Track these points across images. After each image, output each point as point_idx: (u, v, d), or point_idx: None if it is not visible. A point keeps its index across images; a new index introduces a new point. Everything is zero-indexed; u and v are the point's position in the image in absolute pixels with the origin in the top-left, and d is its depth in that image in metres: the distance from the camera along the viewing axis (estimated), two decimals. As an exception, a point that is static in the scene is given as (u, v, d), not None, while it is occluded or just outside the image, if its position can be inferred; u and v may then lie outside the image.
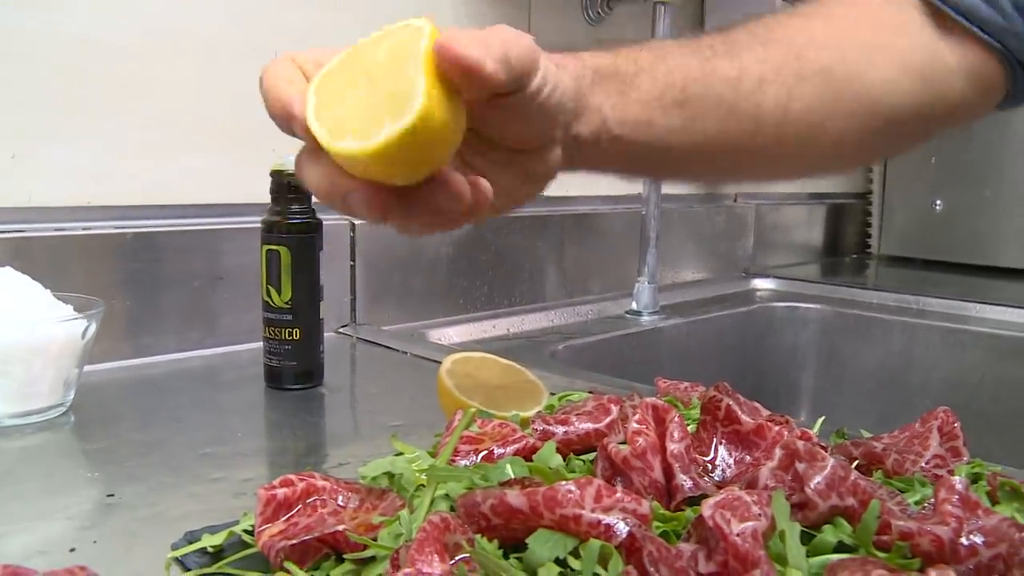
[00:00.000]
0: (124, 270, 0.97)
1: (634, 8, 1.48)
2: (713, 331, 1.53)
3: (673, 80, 0.60)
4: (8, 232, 0.89)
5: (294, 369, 0.88)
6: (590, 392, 0.71)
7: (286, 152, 0.88)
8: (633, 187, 1.50)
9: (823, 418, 0.70)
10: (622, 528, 0.41)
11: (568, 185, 1.49)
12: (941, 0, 0.69)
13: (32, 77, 0.92)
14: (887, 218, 2.22)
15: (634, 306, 1.46)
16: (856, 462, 0.60)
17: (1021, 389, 1.43)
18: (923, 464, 0.59)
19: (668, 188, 1.54)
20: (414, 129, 0.40)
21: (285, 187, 0.87)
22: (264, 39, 1.08)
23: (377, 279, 1.20)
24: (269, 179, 0.88)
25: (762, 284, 1.84)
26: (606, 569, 0.40)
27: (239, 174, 1.07)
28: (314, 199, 0.88)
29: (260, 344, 0.90)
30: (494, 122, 0.50)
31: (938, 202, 2.10)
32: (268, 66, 0.48)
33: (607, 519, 0.42)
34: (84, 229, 0.96)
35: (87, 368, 0.82)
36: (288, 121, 0.45)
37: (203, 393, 0.91)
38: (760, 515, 0.42)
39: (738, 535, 0.40)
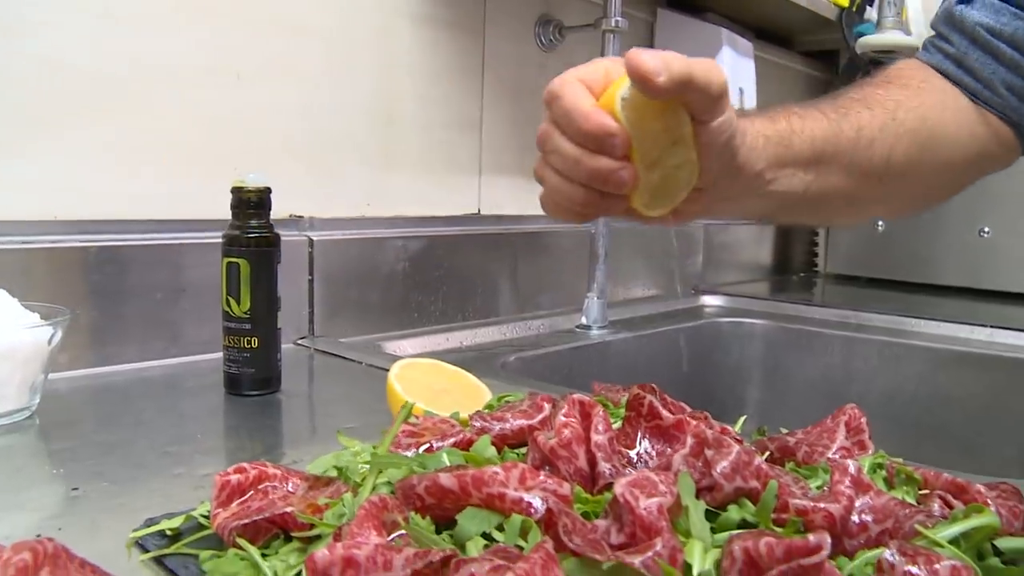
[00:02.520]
0: (89, 282, 1.01)
1: (584, 35, 1.54)
2: (661, 345, 1.59)
3: (814, 142, 0.75)
4: (-24, 244, 0.93)
5: (252, 376, 0.92)
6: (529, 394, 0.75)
7: (244, 170, 0.94)
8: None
9: (744, 417, 0.75)
10: (539, 504, 0.46)
11: (521, 203, 1.54)
12: (958, 84, 0.87)
13: (2, 97, 0.96)
14: (833, 238, 2.31)
15: (584, 320, 1.51)
16: (769, 454, 0.66)
17: (953, 400, 1.50)
18: (829, 455, 0.64)
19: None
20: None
21: (245, 203, 0.91)
22: (226, 63, 1.13)
23: (335, 293, 1.25)
24: (230, 195, 0.92)
25: (711, 301, 1.90)
26: (527, 541, 0.45)
27: (201, 191, 1.11)
28: (272, 215, 0.93)
29: (221, 353, 0.94)
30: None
31: (880, 223, 2.17)
32: (561, 87, 0.61)
33: (528, 497, 0.47)
34: (51, 243, 0.99)
35: (53, 376, 0.85)
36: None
37: (165, 399, 0.95)
38: (666, 492, 0.47)
39: (644, 509, 0.45)
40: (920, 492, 0.60)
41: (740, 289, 2.01)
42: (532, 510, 0.46)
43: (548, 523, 0.46)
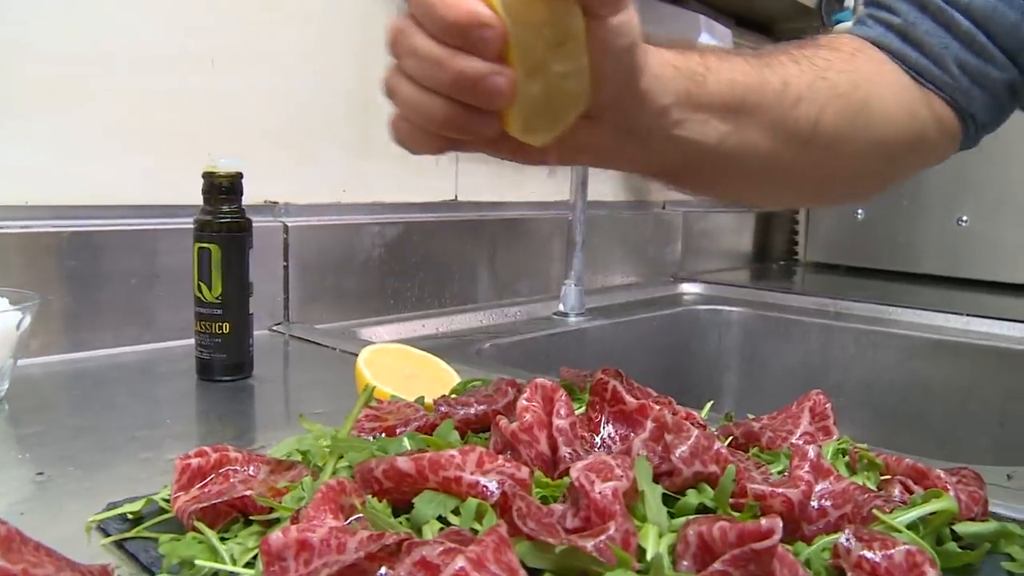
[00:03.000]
0: (62, 267, 1.01)
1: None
2: (638, 333, 1.59)
3: (734, 87, 0.65)
4: (-55, 229, 0.93)
5: (224, 361, 0.92)
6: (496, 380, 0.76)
7: (218, 155, 0.93)
8: (561, 193, 1.56)
9: (711, 402, 0.75)
10: (495, 488, 0.46)
11: (499, 190, 1.54)
12: (901, 60, 0.77)
13: (-30, 80, 0.95)
14: (812, 226, 2.31)
15: (561, 308, 1.51)
16: (733, 439, 0.66)
17: (929, 387, 1.51)
18: (793, 440, 0.64)
19: (595, 195, 1.60)
20: None
21: (217, 188, 0.91)
22: (199, 47, 1.12)
23: (310, 279, 1.24)
24: (201, 180, 0.92)
25: (689, 288, 1.90)
26: (482, 525, 0.45)
27: (175, 176, 1.11)
28: (244, 200, 0.92)
29: (193, 340, 0.94)
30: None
31: (860, 211, 2.18)
32: None
33: (484, 480, 0.47)
34: (23, 228, 0.99)
35: (25, 361, 0.85)
36: None
37: (137, 385, 0.95)
38: (622, 476, 0.47)
39: (599, 493, 0.46)
40: (882, 477, 0.60)
41: (719, 277, 2.01)
42: (488, 493, 0.47)
43: (503, 507, 0.46)
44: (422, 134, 0.53)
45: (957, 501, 0.55)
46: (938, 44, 0.75)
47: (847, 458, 0.63)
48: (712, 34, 1.76)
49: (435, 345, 1.25)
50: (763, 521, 0.42)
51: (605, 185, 1.80)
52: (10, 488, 0.63)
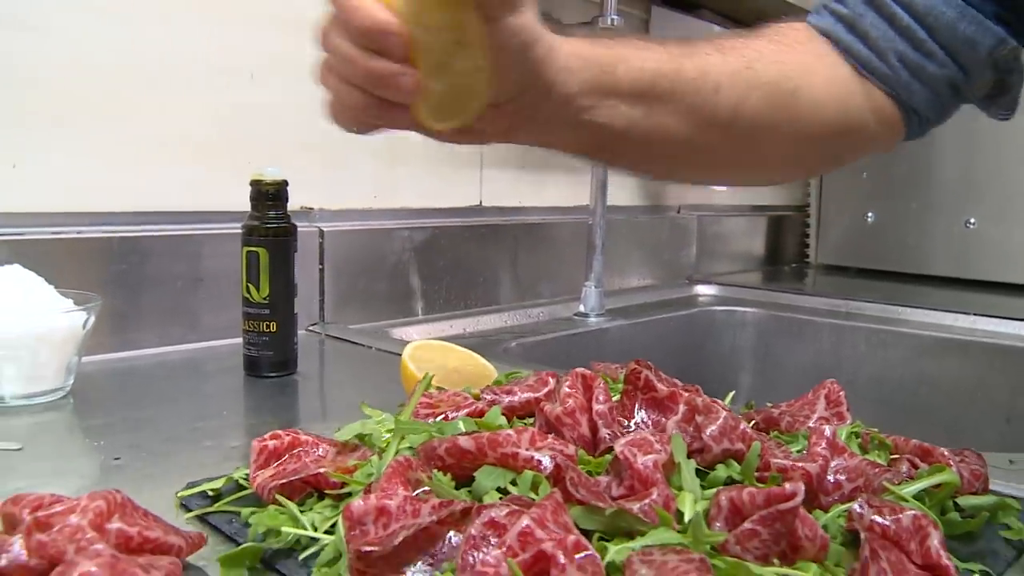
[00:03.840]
0: (112, 271, 1.06)
1: (582, 32, 1.59)
2: (656, 332, 1.64)
3: (643, 73, 0.69)
4: (10, 235, 0.98)
5: (271, 358, 0.98)
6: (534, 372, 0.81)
7: (257, 164, 0.99)
8: (581, 198, 1.61)
9: (732, 392, 0.81)
10: (548, 461, 0.52)
11: (522, 196, 1.60)
12: (846, 51, 0.80)
13: (32, 97, 1.01)
14: (823, 229, 2.36)
15: (582, 308, 1.57)
16: (754, 423, 0.71)
17: (936, 384, 1.56)
18: (810, 424, 0.70)
19: (613, 200, 1.65)
20: None
21: (264, 195, 0.97)
22: (239, 62, 1.18)
23: (344, 282, 1.30)
24: (249, 188, 0.98)
25: (704, 290, 1.96)
26: (538, 494, 0.51)
27: (217, 184, 1.16)
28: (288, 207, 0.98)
29: (238, 340, 1.00)
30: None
31: (870, 214, 2.23)
32: None
33: (538, 455, 0.53)
34: (76, 233, 1.05)
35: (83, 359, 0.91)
36: None
37: (187, 381, 1.00)
38: (661, 450, 0.53)
39: (642, 464, 0.51)
40: (891, 456, 0.66)
41: (732, 279, 2.06)
42: (542, 467, 0.52)
43: (556, 478, 0.52)
44: (350, 117, 0.61)
45: (959, 476, 0.60)
46: (881, 37, 0.77)
47: (859, 440, 0.68)
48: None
49: (463, 344, 1.30)
50: (787, 485, 0.47)
51: (623, 190, 1.85)
52: (92, 471, 0.69)
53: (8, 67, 0.99)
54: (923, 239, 2.15)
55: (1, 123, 0.99)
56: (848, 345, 1.68)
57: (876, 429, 0.71)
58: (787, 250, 2.47)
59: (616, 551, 0.45)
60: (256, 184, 0.97)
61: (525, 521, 0.44)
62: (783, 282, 2.15)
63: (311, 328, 1.25)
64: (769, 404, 0.78)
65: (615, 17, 1.48)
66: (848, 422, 0.72)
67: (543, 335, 1.42)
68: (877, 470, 0.59)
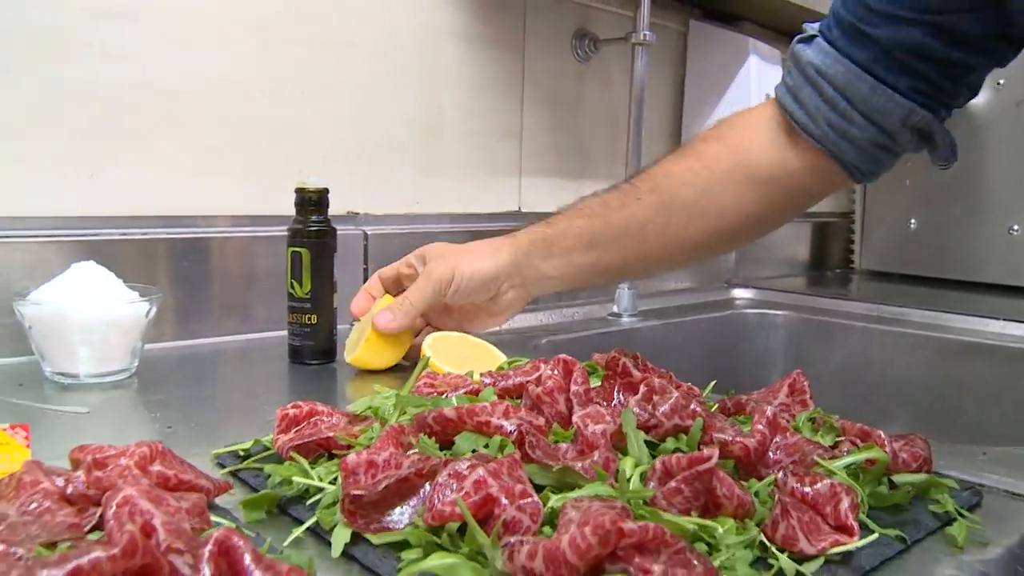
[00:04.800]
0: (175, 268, 1.19)
1: (617, 47, 1.69)
2: (687, 333, 1.72)
3: (582, 236, 1.01)
4: (87, 236, 1.11)
5: (312, 347, 1.09)
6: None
7: (307, 173, 1.10)
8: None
9: (714, 382, 0.89)
10: (512, 428, 0.62)
11: (559, 201, 1.69)
12: (789, 115, 0.94)
13: (105, 113, 1.14)
14: (867, 235, 2.40)
15: (615, 309, 1.66)
16: (725, 408, 0.80)
17: (962, 386, 1.61)
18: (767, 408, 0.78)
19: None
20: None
21: (307, 201, 1.08)
22: (288, 78, 1.30)
23: (386, 281, 1.41)
24: (294, 194, 1.09)
25: (741, 294, 2.03)
26: (502, 454, 0.61)
27: (268, 191, 1.28)
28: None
29: (284, 332, 1.11)
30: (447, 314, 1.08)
31: (913, 221, 2.27)
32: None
33: (506, 423, 0.62)
34: (143, 234, 1.17)
35: (146, 346, 1.03)
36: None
37: (238, 367, 1.12)
38: (610, 422, 0.62)
39: (591, 432, 0.61)
40: (837, 439, 0.74)
41: (773, 283, 2.12)
42: (507, 432, 0.62)
43: (519, 442, 0.61)
44: None
45: (892, 455, 0.68)
46: (812, 105, 0.91)
47: (813, 424, 0.76)
48: (761, 56, 1.89)
49: (497, 339, 1.39)
50: (705, 450, 0.56)
51: (659, 197, 1.93)
52: (148, 436, 0.80)
53: (90, 87, 1.12)
54: (966, 245, 2.18)
55: (82, 136, 1.12)
56: (876, 348, 1.73)
57: (837, 416, 0.80)
58: (832, 256, 2.52)
59: (556, 499, 0.54)
60: (300, 192, 1.08)
61: (480, 472, 0.53)
62: (824, 287, 2.21)
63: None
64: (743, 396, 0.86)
65: (647, 33, 1.57)
66: (810, 409, 0.80)
67: (575, 333, 1.51)
68: (812, 447, 0.67)
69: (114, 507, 0.50)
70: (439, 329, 1.06)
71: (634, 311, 1.66)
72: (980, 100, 2.08)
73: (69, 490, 0.54)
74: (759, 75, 1.86)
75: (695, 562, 0.48)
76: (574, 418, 0.62)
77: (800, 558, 0.55)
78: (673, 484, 0.56)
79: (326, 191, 1.09)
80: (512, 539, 0.49)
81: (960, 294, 2.07)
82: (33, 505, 0.52)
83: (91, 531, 0.51)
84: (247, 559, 0.43)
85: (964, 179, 2.16)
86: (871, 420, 0.76)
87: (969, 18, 0.83)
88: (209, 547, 0.43)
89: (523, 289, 1.05)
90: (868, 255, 2.41)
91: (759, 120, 0.97)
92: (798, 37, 0.95)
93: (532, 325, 1.56)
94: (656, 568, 0.46)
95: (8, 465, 0.62)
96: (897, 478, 0.68)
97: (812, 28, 0.94)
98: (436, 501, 0.53)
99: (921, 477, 0.69)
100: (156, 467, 0.58)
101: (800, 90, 0.93)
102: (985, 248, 2.14)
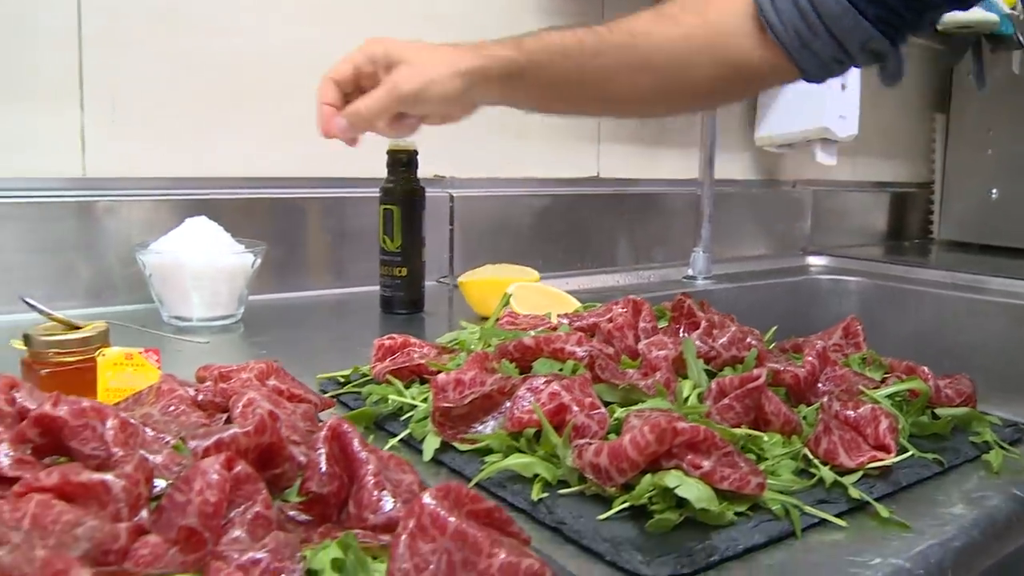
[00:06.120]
0: (277, 225, 1.29)
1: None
2: (759, 297, 1.77)
3: (554, 83, 0.97)
4: (198, 195, 1.22)
5: (402, 298, 1.18)
6: (609, 306, 0.98)
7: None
8: (692, 171, 1.76)
9: (776, 327, 0.95)
10: (583, 353, 0.69)
11: (636, 168, 1.76)
12: (763, 15, 0.96)
13: (213, 83, 1.24)
14: (947, 205, 2.41)
15: (690, 272, 1.71)
16: (781, 347, 0.86)
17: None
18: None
19: (726, 173, 1.78)
20: None
21: (398, 161, 1.16)
22: (384, 48, 1.38)
23: (470, 241, 1.49)
24: (386, 156, 1.17)
25: (816, 261, 2.06)
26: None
27: (358, 154, 1.37)
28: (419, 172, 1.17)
29: (375, 287, 1.20)
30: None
31: (994, 191, 2.28)
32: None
33: (578, 350, 0.70)
34: (248, 194, 1.27)
35: (250, 296, 1.13)
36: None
37: (334, 316, 1.21)
38: (672, 349, 0.69)
39: (654, 356, 0.68)
40: (885, 375, 0.80)
41: (849, 251, 2.15)
42: (579, 357, 0.69)
43: (590, 366, 0.69)
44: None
45: (936, 390, 0.74)
46: (786, 11, 0.94)
47: (864, 362, 0.82)
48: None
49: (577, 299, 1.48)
50: (755, 371, 0.63)
51: (734, 164, 1.98)
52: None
53: (202, 59, 1.22)
54: (1048, 216, 2.18)
55: (194, 104, 1.22)
56: (950, 314, 1.75)
57: (890, 358, 0.85)
58: (911, 226, 2.53)
59: (621, 411, 0.62)
60: (392, 153, 1.17)
61: (555, 386, 0.61)
62: (901, 256, 2.22)
63: (441, 280, 1.45)
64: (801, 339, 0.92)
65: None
66: (863, 349, 0.86)
67: (649, 293, 1.57)
68: (859, 379, 0.74)
69: (240, 407, 0.58)
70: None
71: (708, 274, 1.71)
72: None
73: (200, 397, 0.63)
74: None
75: (742, 464, 0.55)
76: (640, 346, 0.69)
77: (841, 471, 0.62)
78: (726, 401, 0.63)
79: (415, 152, 1.17)
80: (581, 441, 0.56)
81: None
82: (172, 408, 0.61)
83: (220, 430, 0.60)
84: (355, 443, 0.51)
85: (1046, 149, 2.16)
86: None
87: None
88: (324, 432, 0.51)
89: (482, 104, 1.02)
90: (947, 225, 2.42)
91: (737, 8, 1.00)
92: None
93: (609, 286, 1.63)
94: (706, 464, 0.53)
95: (144, 381, 0.71)
96: (940, 411, 0.74)
97: None
98: (516, 411, 0.61)
99: (962, 410, 0.74)
100: (272, 381, 0.66)
101: None
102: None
